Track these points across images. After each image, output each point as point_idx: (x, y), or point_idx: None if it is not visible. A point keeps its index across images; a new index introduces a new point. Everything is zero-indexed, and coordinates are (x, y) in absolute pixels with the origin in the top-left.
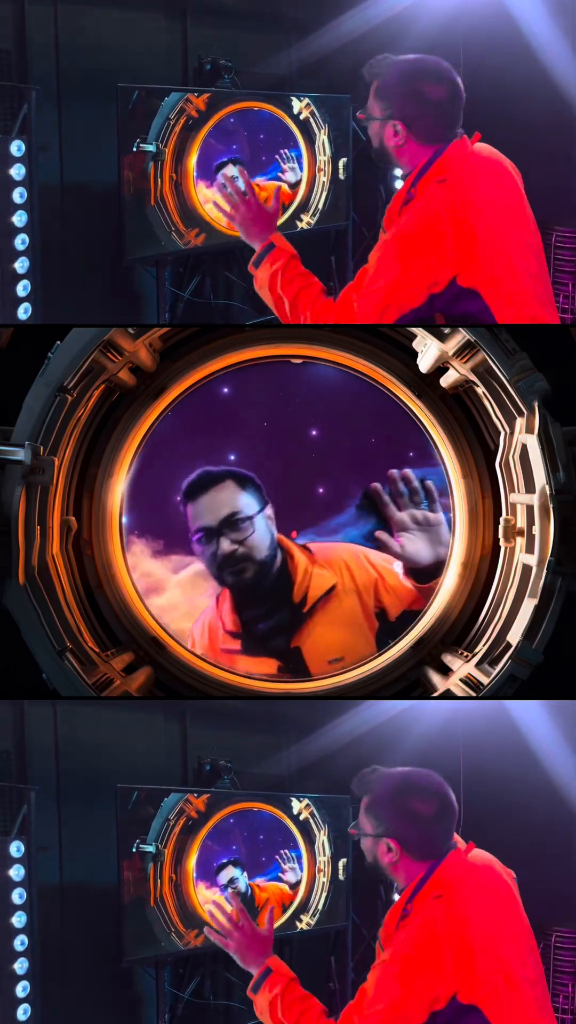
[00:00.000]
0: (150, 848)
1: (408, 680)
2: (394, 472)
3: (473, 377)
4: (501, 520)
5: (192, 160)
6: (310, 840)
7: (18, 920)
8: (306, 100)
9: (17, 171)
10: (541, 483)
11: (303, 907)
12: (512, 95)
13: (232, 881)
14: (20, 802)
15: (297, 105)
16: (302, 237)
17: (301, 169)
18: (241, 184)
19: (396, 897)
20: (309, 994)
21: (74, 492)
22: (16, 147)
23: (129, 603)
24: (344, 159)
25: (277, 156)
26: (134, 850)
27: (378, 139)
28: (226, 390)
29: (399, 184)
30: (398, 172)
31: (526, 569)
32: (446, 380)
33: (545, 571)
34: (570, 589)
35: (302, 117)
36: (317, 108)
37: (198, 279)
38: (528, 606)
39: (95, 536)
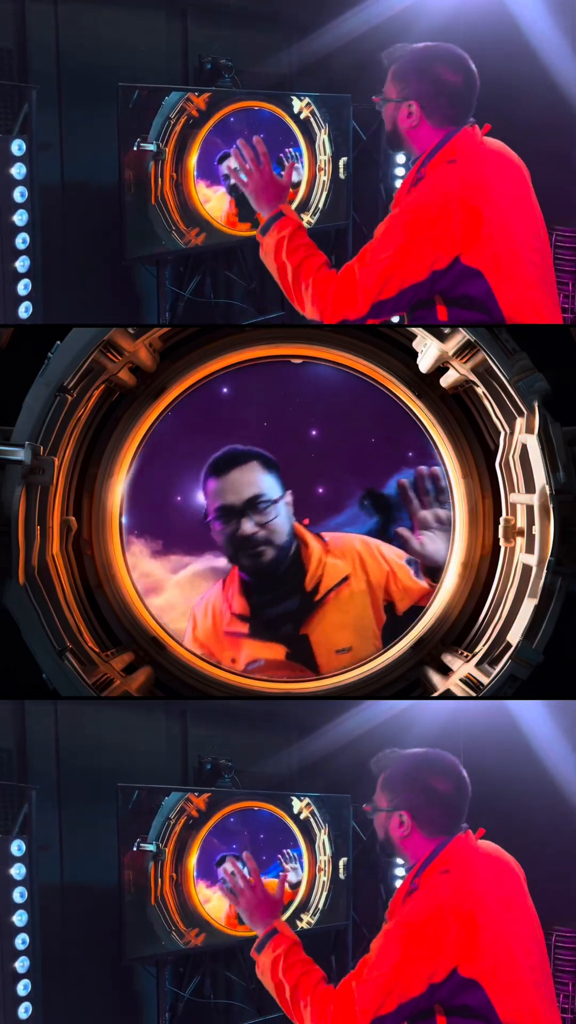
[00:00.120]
0: (151, 847)
1: (408, 680)
2: (423, 469)
3: (473, 377)
4: (501, 520)
5: (192, 159)
6: (311, 839)
7: (19, 919)
8: (306, 99)
9: (18, 170)
10: (541, 483)
11: (303, 906)
12: (512, 95)
13: (233, 875)
14: (21, 801)
15: (297, 104)
16: None
17: (302, 169)
18: (258, 155)
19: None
20: (311, 959)
21: (74, 492)
22: (17, 146)
23: (129, 603)
24: (344, 158)
25: (281, 155)
26: (135, 849)
27: (392, 121)
28: (226, 390)
29: (399, 184)
30: (399, 172)
31: (526, 569)
32: (446, 380)
33: (545, 571)
34: (570, 589)
35: (302, 117)
36: (317, 107)
37: (198, 278)
38: (528, 606)
39: (95, 536)
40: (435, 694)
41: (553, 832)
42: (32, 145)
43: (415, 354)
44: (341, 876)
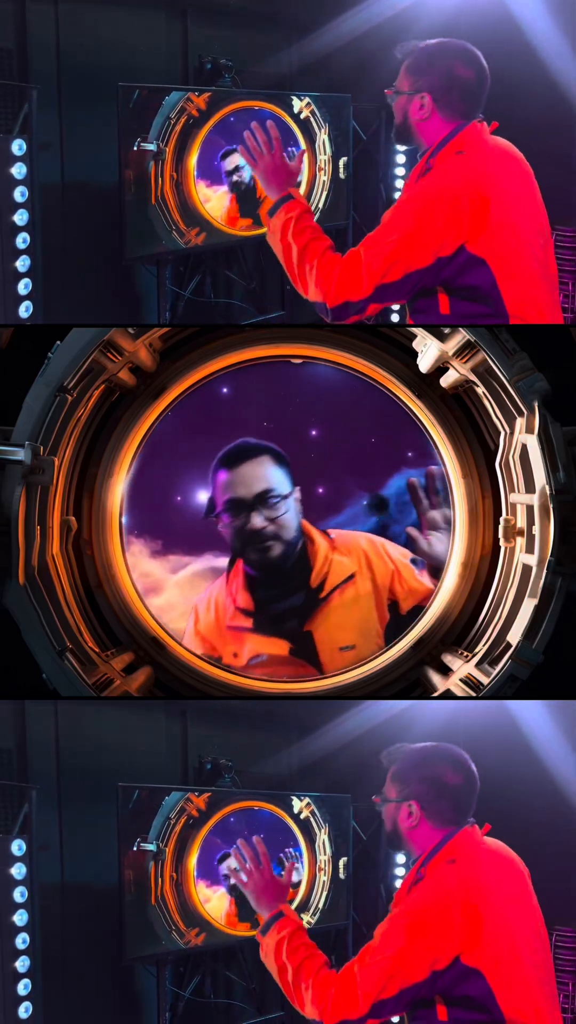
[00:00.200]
0: (151, 847)
1: (408, 680)
2: (434, 469)
3: (473, 377)
4: (501, 520)
5: (193, 159)
6: (311, 839)
7: (19, 918)
8: (306, 99)
9: (18, 170)
10: (541, 483)
11: (304, 906)
12: (512, 94)
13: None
14: (21, 801)
15: (297, 104)
16: None
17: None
18: (271, 140)
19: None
20: (314, 944)
21: (74, 492)
22: (17, 146)
23: (129, 603)
24: (344, 158)
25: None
26: (135, 848)
27: (402, 114)
28: (226, 390)
29: (399, 183)
30: (399, 172)
31: (526, 569)
32: (446, 380)
33: (545, 571)
34: (570, 589)
35: (302, 116)
36: (317, 107)
37: (199, 278)
38: (528, 606)
39: (95, 536)
40: (435, 694)
41: (553, 832)
42: (32, 145)
43: (415, 354)
44: (341, 876)
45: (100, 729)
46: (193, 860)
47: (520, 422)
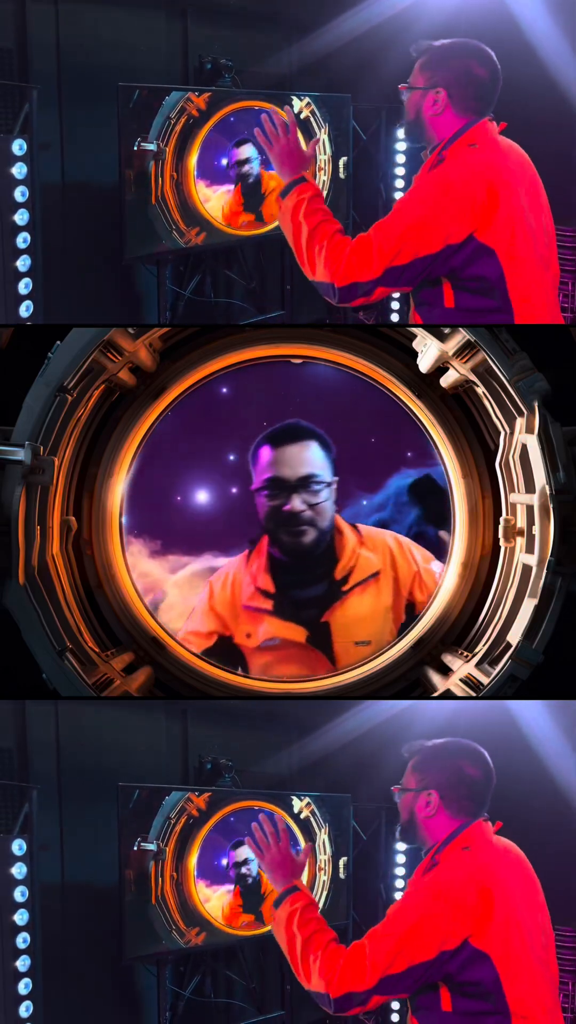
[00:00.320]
0: (151, 846)
1: (408, 680)
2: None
3: (473, 377)
4: (501, 520)
5: (193, 159)
6: (311, 839)
7: (20, 918)
8: (306, 99)
9: (19, 170)
10: (541, 483)
11: None
12: (512, 94)
13: (246, 861)
14: (22, 800)
15: (297, 104)
16: None
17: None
18: (287, 124)
19: (398, 897)
20: (325, 920)
21: (74, 492)
22: (18, 146)
23: (129, 603)
24: (344, 158)
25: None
26: (135, 848)
27: (415, 109)
28: (226, 390)
29: (400, 183)
30: (399, 172)
31: (526, 569)
32: (446, 380)
33: (545, 571)
34: (570, 589)
35: (303, 116)
36: (317, 107)
37: (199, 277)
38: (528, 606)
39: (95, 536)
40: (435, 694)
41: (553, 832)
42: (33, 145)
43: (415, 354)
44: (341, 876)
45: (100, 729)
46: (193, 860)
47: (520, 422)
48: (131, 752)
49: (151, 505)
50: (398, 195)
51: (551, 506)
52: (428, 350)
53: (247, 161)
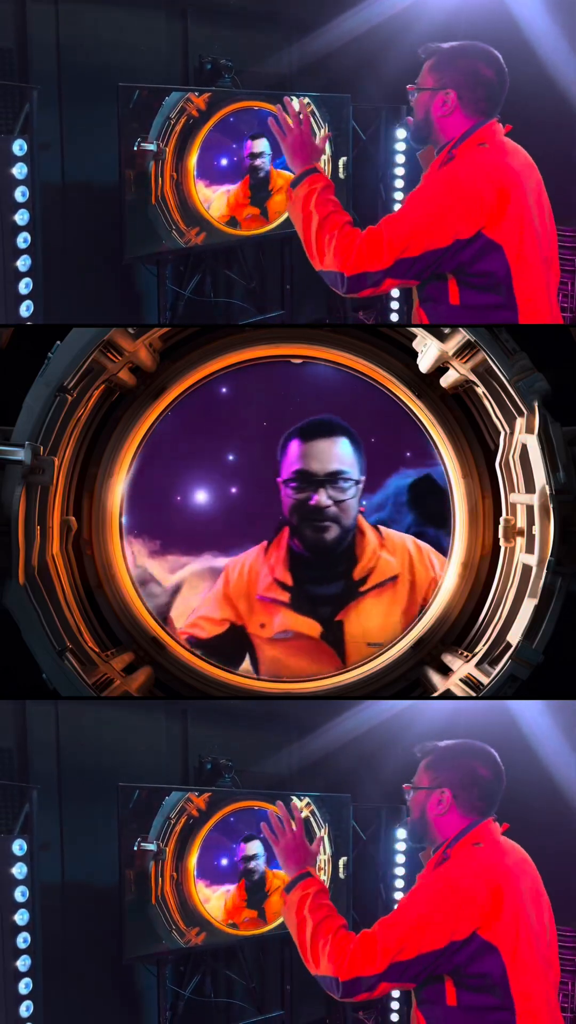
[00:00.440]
0: (151, 846)
1: (408, 680)
2: None
3: (473, 377)
4: (501, 520)
5: (193, 159)
6: (310, 839)
7: (20, 918)
8: (306, 99)
9: (19, 170)
10: (541, 483)
11: None
12: (512, 94)
13: (254, 856)
14: (22, 800)
15: (297, 104)
16: None
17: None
18: (298, 114)
19: (399, 900)
20: (335, 907)
21: (74, 492)
22: (18, 146)
23: (129, 603)
24: (344, 158)
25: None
26: (135, 848)
27: (424, 109)
28: (226, 390)
29: (399, 183)
30: (399, 172)
31: (526, 569)
32: (446, 380)
33: (545, 571)
34: (570, 589)
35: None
36: (317, 107)
37: (198, 277)
38: (528, 606)
39: (95, 536)
40: (435, 694)
41: (553, 832)
42: (33, 145)
43: (415, 354)
44: (341, 876)
45: (100, 729)
46: (193, 860)
47: (520, 422)
48: (131, 752)
49: (151, 505)
50: (398, 195)
51: (551, 506)
52: (428, 350)
53: (260, 155)
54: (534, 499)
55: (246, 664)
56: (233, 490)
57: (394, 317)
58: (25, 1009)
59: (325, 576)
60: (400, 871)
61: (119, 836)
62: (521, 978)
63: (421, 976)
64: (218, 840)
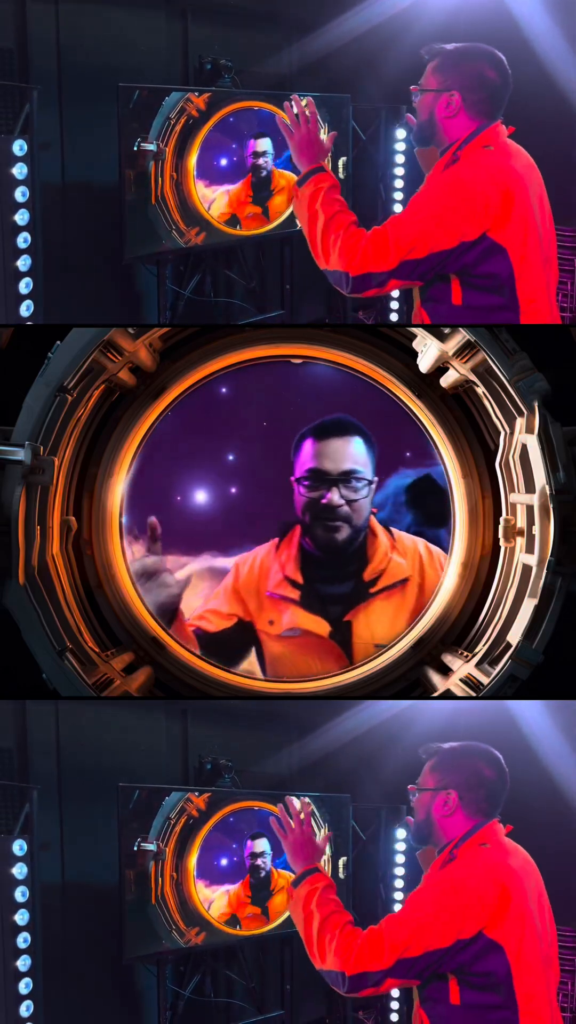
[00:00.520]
0: (151, 846)
1: (408, 680)
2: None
3: (473, 377)
4: (501, 520)
5: (192, 159)
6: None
7: (20, 918)
8: (306, 99)
9: (19, 170)
10: (541, 483)
11: None
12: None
13: (262, 853)
14: (22, 800)
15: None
16: (302, 236)
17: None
18: (306, 112)
19: (399, 900)
20: (342, 903)
21: (74, 492)
22: (18, 146)
23: (129, 603)
24: (344, 158)
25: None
26: (135, 848)
27: (428, 111)
28: (226, 390)
29: (399, 183)
30: (399, 172)
31: (526, 569)
32: (446, 380)
33: (545, 571)
34: (570, 589)
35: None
36: (317, 107)
37: (198, 277)
38: (528, 606)
39: (95, 536)
40: (435, 694)
41: (553, 832)
42: (33, 145)
43: (415, 354)
44: (341, 876)
45: (100, 729)
46: (193, 860)
47: (520, 422)
48: (131, 752)
49: (151, 505)
50: (397, 195)
51: (551, 506)
52: (428, 350)
53: (263, 154)
54: (534, 499)
55: (251, 661)
56: (233, 490)
57: (394, 317)
58: (25, 1009)
59: (336, 575)
60: (400, 871)
61: (119, 836)
62: (525, 977)
63: (426, 973)
64: (218, 840)
